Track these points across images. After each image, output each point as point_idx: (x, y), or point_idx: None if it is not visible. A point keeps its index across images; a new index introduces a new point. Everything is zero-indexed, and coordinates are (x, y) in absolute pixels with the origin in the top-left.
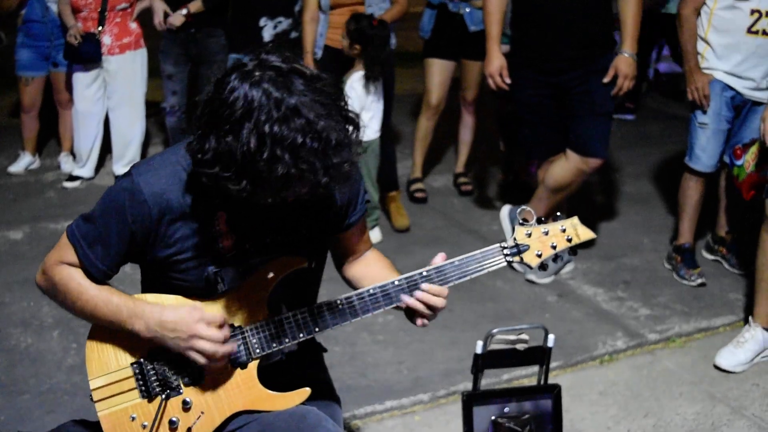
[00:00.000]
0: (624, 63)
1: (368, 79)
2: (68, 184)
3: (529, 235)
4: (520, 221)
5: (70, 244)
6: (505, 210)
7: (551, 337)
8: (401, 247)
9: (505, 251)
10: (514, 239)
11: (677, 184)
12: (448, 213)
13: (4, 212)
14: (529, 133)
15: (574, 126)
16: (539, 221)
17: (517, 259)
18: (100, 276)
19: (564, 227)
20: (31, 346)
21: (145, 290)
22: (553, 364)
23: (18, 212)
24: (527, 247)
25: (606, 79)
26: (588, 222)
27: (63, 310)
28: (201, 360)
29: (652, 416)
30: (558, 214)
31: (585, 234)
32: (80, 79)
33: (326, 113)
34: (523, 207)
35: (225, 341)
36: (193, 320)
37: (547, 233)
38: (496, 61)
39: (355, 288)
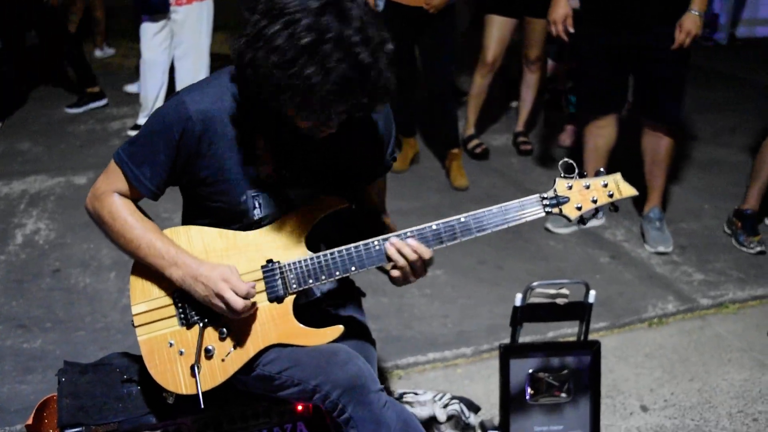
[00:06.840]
0: (689, 20)
1: None
2: (132, 133)
3: (570, 188)
4: (562, 174)
5: (118, 167)
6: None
7: (592, 293)
8: (456, 204)
9: (545, 202)
10: (555, 190)
11: (744, 151)
12: (505, 172)
13: (71, 158)
14: (585, 84)
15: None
16: (581, 175)
17: (556, 210)
18: (149, 195)
19: (606, 182)
20: (88, 285)
21: (186, 218)
22: (600, 324)
23: (84, 158)
24: (567, 200)
25: (675, 45)
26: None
27: (121, 253)
28: (223, 313)
29: (698, 380)
30: (601, 169)
31: (627, 190)
32: (147, 28)
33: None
34: (565, 159)
35: (245, 310)
36: (222, 288)
37: (588, 187)
38: (561, 9)
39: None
